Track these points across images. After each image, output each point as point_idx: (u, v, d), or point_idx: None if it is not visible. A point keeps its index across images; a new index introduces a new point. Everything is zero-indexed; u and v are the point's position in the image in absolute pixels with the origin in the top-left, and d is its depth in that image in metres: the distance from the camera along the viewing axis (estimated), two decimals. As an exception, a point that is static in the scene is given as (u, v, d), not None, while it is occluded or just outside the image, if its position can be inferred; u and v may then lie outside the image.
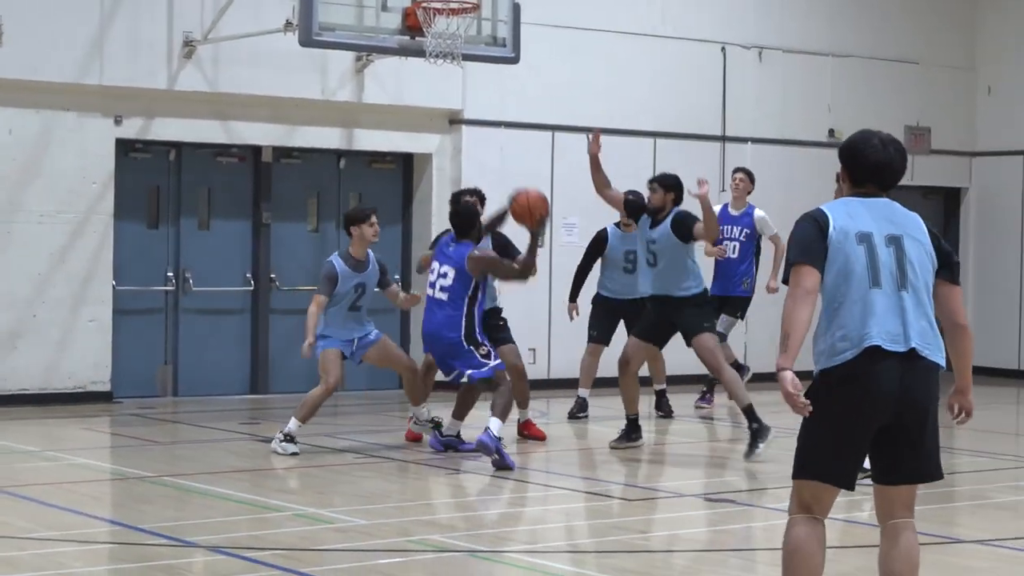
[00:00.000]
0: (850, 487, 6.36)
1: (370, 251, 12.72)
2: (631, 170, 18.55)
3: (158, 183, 16.43)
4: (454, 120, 17.71)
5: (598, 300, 14.91)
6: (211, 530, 9.45)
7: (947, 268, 6.47)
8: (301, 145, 16.99)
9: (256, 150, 16.88)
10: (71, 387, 15.60)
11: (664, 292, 12.78)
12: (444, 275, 12.10)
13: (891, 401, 6.21)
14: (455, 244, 12.15)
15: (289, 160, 17.10)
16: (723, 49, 19.64)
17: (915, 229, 6.42)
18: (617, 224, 14.78)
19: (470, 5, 14.92)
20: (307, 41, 14.46)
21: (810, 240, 6.30)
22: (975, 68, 21.67)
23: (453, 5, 14.81)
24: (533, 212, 12.09)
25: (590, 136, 13.56)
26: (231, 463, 11.87)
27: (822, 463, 6.31)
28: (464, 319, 11.97)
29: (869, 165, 6.45)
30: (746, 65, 19.84)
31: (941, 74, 21.37)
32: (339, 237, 17.27)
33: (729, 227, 15.69)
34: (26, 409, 15.15)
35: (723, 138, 19.60)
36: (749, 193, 16.08)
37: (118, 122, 15.77)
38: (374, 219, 12.71)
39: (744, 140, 19.74)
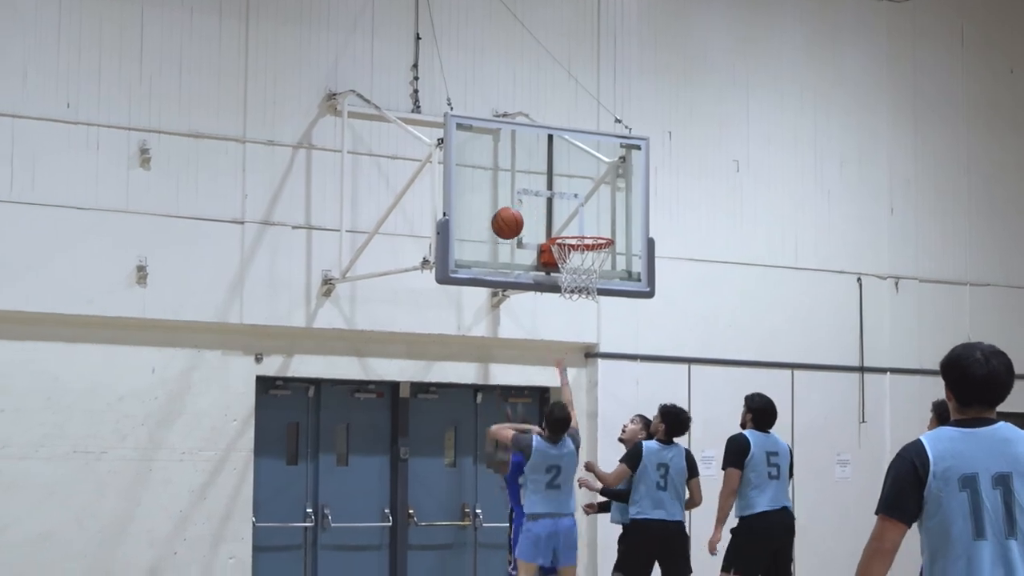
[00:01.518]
0: None
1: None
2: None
3: (297, 419, 16.41)
4: (589, 353, 17.59)
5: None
6: None
7: None
8: (438, 380, 16.93)
9: (393, 386, 16.85)
10: (211, 625, 15.45)
11: None
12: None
13: None
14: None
15: (426, 395, 17.04)
16: (859, 280, 19.44)
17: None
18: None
19: (604, 241, 14.87)
20: (443, 279, 14.42)
21: (904, 490, 5.91)
22: (1115, 294, 21.23)
23: (588, 241, 14.74)
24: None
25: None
26: None
27: None
28: None
29: (974, 381, 6.05)
30: (882, 295, 19.60)
31: (1081, 300, 20.98)
32: (476, 471, 17.12)
33: None
34: (166, 647, 15.03)
35: (861, 368, 19.29)
36: None
37: (259, 360, 15.84)
38: None
39: (883, 370, 19.41)
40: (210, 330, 15.54)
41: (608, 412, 17.39)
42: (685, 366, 18.05)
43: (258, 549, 15.72)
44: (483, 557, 16.53)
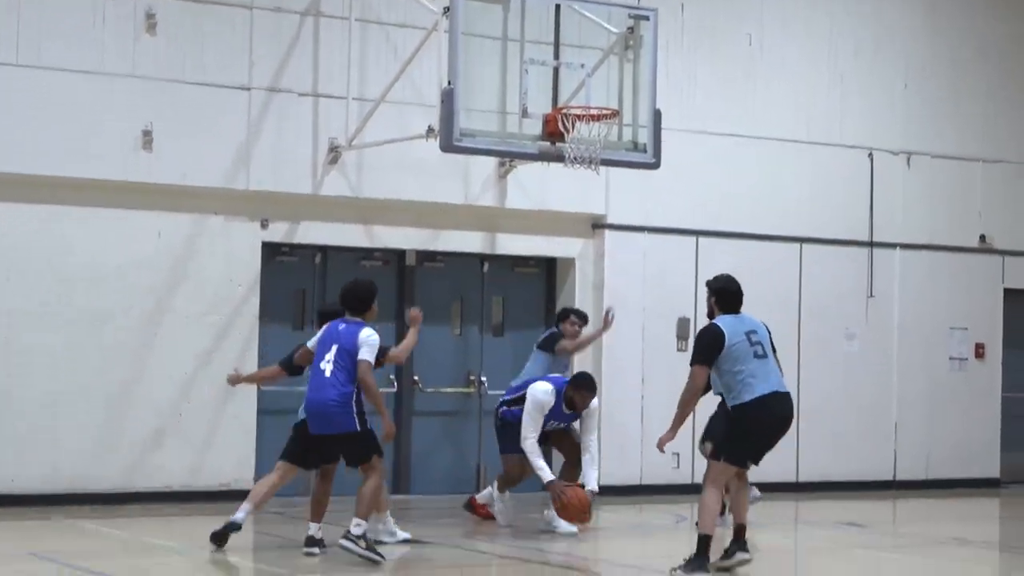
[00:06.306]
0: None
1: None
2: (778, 276, 18.42)
3: (303, 286, 16.57)
4: (597, 225, 17.66)
5: None
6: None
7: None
8: (444, 249, 17.05)
9: (400, 254, 16.98)
10: (215, 485, 15.68)
11: None
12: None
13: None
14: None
15: (432, 264, 17.17)
16: (870, 155, 19.42)
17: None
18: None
19: (610, 112, 14.87)
20: (448, 147, 14.46)
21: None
22: None
23: (593, 111, 14.75)
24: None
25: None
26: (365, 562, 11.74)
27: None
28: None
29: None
30: (894, 171, 19.58)
31: (1093, 177, 20.93)
32: (482, 340, 17.28)
33: None
34: (170, 506, 15.27)
35: (871, 244, 19.31)
36: None
37: (264, 226, 15.97)
38: None
39: (892, 246, 19.43)
40: (215, 196, 15.67)
41: (614, 283, 17.50)
42: (693, 239, 18.11)
43: (262, 412, 15.96)
44: (488, 423, 16.69)
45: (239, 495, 15.56)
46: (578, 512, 13.40)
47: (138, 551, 12.53)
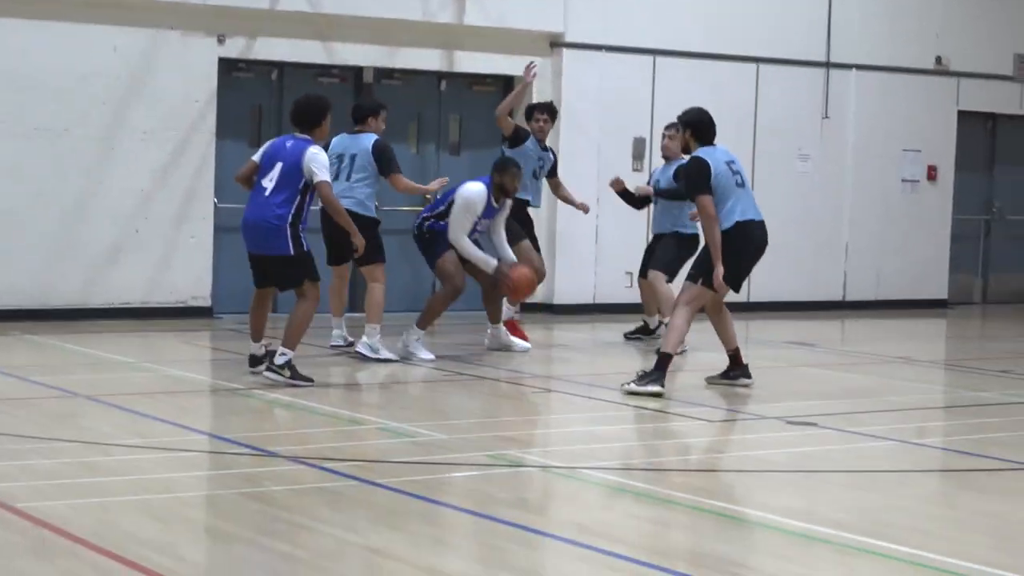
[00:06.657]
0: None
1: None
2: (734, 96, 18.46)
3: (260, 102, 16.54)
4: (555, 43, 17.63)
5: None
6: (294, 441, 9.60)
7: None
8: (402, 66, 17.00)
9: (357, 71, 16.93)
10: (172, 302, 15.81)
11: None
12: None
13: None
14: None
15: (390, 81, 17.12)
16: (830, -27, 19.39)
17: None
18: None
19: (571, -73, 14.79)
20: (407, -38, 14.43)
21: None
22: (1088, -5, 21.21)
23: (554, -74, 14.69)
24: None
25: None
26: (322, 378, 11.93)
27: None
28: None
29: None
30: (853, -11, 19.58)
31: (1052, 1, 20.96)
32: (439, 159, 17.32)
33: None
34: (127, 323, 15.39)
35: (827, 64, 19.34)
36: None
37: (221, 41, 15.88)
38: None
39: (848, 67, 19.47)
40: (172, 10, 15.57)
41: (571, 102, 17.53)
42: (650, 58, 18.10)
43: (220, 229, 16.02)
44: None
45: (196, 312, 15.86)
46: (527, 287, 13.39)
47: (96, 367, 12.67)
